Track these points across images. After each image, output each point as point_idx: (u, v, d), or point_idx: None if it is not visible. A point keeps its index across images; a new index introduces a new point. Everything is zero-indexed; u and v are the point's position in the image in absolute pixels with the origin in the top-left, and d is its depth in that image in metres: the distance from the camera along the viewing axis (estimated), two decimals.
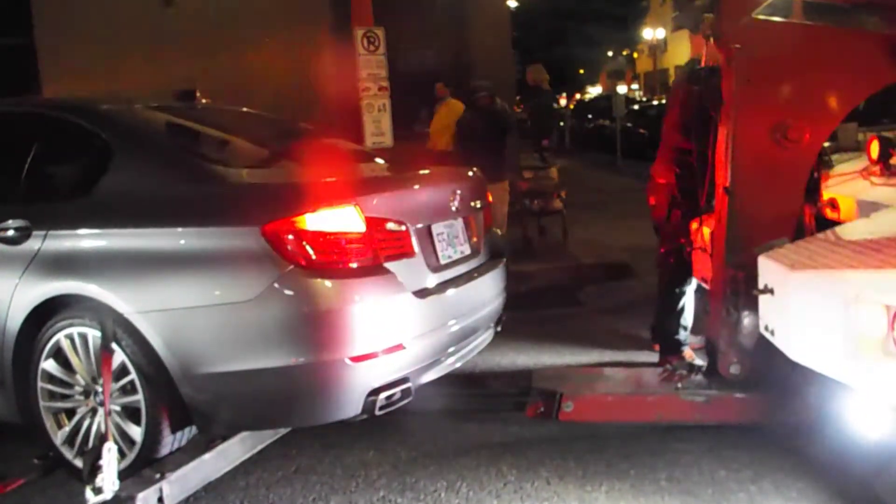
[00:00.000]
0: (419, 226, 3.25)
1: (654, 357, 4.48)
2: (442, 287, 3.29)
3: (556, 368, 4.47)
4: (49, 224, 3.13)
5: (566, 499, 3.00)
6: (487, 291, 3.66)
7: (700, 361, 3.95)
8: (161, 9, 11.22)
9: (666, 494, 2.99)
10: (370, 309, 2.91)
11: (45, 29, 11.70)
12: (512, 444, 3.49)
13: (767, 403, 3.34)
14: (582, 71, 54.08)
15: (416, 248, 3.20)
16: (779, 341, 2.87)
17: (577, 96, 43.64)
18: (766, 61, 3.21)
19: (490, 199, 4.08)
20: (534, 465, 3.26)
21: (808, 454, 3.14)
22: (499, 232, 4.27)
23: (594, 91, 47.87)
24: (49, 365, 3.14)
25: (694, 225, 4.01)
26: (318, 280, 2.81)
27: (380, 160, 4.14)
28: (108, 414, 2.90)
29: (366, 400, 2.89)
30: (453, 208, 3.50)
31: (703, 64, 4.12)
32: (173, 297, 2.89)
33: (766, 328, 2.98)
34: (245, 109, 4.42)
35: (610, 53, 50.60)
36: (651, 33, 38.23)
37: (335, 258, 2.87)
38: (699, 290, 4.25)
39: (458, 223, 3.56)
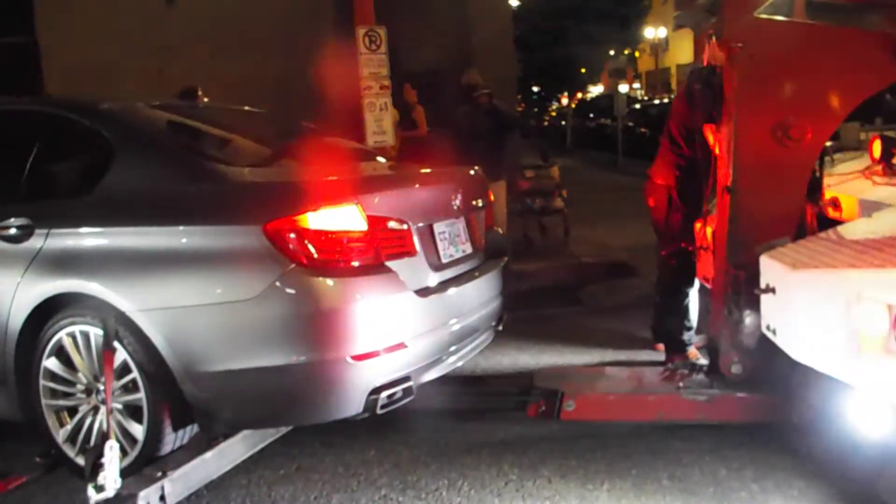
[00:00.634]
0: (421, 225, 3.25)
1: (655, 356, 4.48)
2: (443, 286, 3.29)
3: (557, 367, 4.47)
4: (51, 222, 3.14)
5: (567, 497, 3.00)
6: (489, 290, 3.66)
7: (704, 361, 3.96)
8: (163, 8, 11.22)
9: (667, 493, 2.99)
10: (372, 308, 2.91)
11: (48, 27, 11.71)
12: (513, 442, 3.49)
13: (769, 403, 3.34)
14: (584, 70, 54.02)
15: (418, 246, 3.20)
16: (780, 340, 2.87)
17: (579, 95, 43.61)
18: (767, 60, 3.21)
19: (491, 197, 4.08)
20: (535, 464, 3.26)
21: (809, 453, 3.14)
22: (500, 231, 4.27)
23: (596, 90, 47.85)
24: (51, 363, 3.14)
25: (697, 226, 4.01)
26: (320, 279, 2.82)
27: (381, 159, 4.14)
28: (109, 412, 2.91)
29: (367, 398, 2.89)
30: (455, 207, 3.50)
31: (704, 64, 4.12)
32: (175, 296, 2.90)
33: (768, 327, 2.97)
34: (247, 108, 4.43)
35: (611, 52, 50.54)
36: (653, 32, 38.21)
37: (337, 257, 2.87)
38: (701, 289, 4.25)
39: (460, 222, 3.56)
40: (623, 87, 27.19)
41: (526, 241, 8.16)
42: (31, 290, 3.11)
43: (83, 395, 3.14)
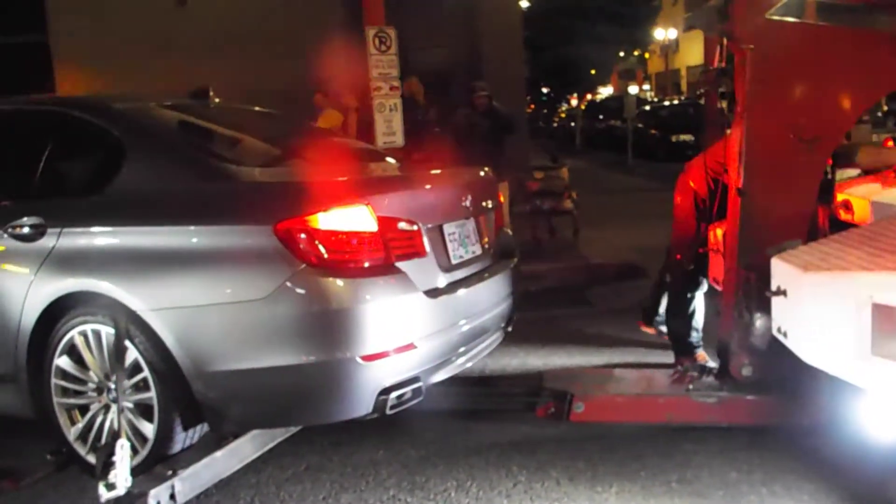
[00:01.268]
0: (430, 225, 3.25)
1: (665, 358, 4.47)
2: (453, 287, 3.29)
3: (566, 369, 4.47)
4: (63, 221, 3.16)
5: (576, 499, 3.00)
6: (498, 291, 3.66)
7: (713, 363, 3.95)
8: (174, 8, 11.27)
9: (676, 496, 2.98)
10: (381, 308, 2.91)
11: (60, 27, 11.77)
12: (522, 444, 3.49)
13: (779, 405, 3.33)
14: (593, 71, 53.93)
15: (428, 247, 3.20)
16: (791, 343, 2.86)
17: (589, 97, 43.54)
18: (779, 62, 3.20)
19: (501, 199, 4.08)
20: (544, 466, 3.26)
21: (819, 456, 3.13)
22: (510, 232, 4.27)
23: (605, 91, 47.76)
24: (63, 361, 3.16)
25: (712, 232, 3.99)
26: (330, 279, 2.82)
27: (391, 160, 4.15)
28: (120, 411, 2.93)
29: (376, 399, 2.89)
30: (465, 208, 3.50)
31: (714, 65, 4.11)
32: (186, 295, 2.91)
33: (779, 330, 2.96)
34: (257, 108, 4.44)
35: (621, 54, 50.46)
36: (663, 33, 38.10)
37: (347, 257, 2.88)
38: (709, 291, 4.24)
39: (470, 223, 3.56)
40: (633, 89, 27.13)
41: (535, 243, 8.15)
42: (43, 289, 3.13)
43: (94, 394, 3.16)
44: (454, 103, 8.89)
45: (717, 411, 3.42)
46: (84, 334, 3.11)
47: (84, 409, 3.19)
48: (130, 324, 2.95)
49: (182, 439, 3.03)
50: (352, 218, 2.90)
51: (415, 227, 3.15)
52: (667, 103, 24.69)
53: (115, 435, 2.87)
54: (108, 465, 2.73)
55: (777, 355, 3.09)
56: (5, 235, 3.23)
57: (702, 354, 4.27)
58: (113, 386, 3.04)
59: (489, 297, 3.56)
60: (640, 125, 19.57)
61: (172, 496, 2.83)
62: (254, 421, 3.10)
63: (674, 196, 4.45)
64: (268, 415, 3.04)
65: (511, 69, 12.59)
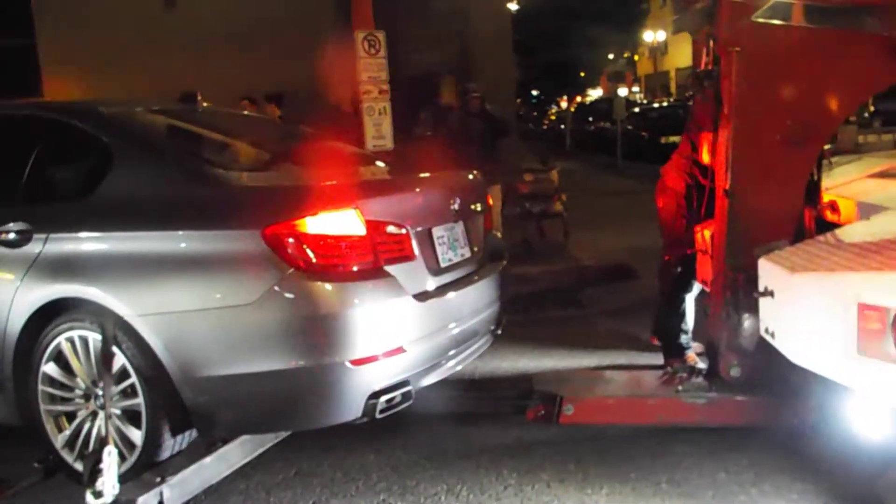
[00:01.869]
0: (419, 229, 3.25)
1: (655, 359, 4.48)
2: (442, 290, 3.29)
3: (556, 371, 4.47)
4: (50, 227, 3.14)
5: (566, 502, 3.00)
6: (488, 294, 3.66)
7: (703, 365, 3.96)
8: (162, 11, 11.24)
9: (666, 497, 2.99)
10: (370, 312, 2.91)
11: (48, 31, 11.73)
12: (512, 447, 3.49)
13: (768, 406, 3.34)
14: (583, 73, 54.06)
15: (417, 251, 3.20)
16: (779, 343, 2.87)
17: (578, 99, 43.64)
18: (765, 64, 3.22)
19: (490, 202, 4.08)
20: (534, 469, 3.26)
21: (808, 456, 3.14)
22: (499, 235, 4.27)
23: (595, 94, 47.87)
24: (50, 368, 3.14)
25: (699, 233, 4.01)
26: (319, 283, 2.82)
27: (380, 163, 4.15)
28: (108, 417, 2.91)
29: (366, 403, 2.88)
30: (453, 211, 3.50)
31: (702, 67, 4.13)
32: (174, 301, 2.90)
33: (767, 330, 2.98)
34: (246, 112, 4.43)
35: (611, 56, 50.59)
36: (651, 36, 38.26)
37: (336, 261, 2.87)
38: (699, 293, 4.26)
39: (459, 226, 3.56)
40: (622, 91, 27.17)
41: (525, 245, 8.16)
42: (29, 295, 3.11)
43: (82, 401, 3.14)
44: (446, 106, 8.90)
45: (706, 412, 3.43)
46: (71, 340, 3.09)
47: (71, 416, 3.17)
48: (118, 329, 2.93)
49: (170, 445, 3.01)
50: (340, 222, 2.90)
51: (403, 231, 3.14)
52: (656, 105, 24.76)
53: (102, 442, 2.84)
54: (95, 472, 2.70)
55: (765, 356, 3.10)
56: None
57: (691, 356, 4.28)
58: (100, 392, 3.02)
59: (478, 300, 3.56)
60: (629, 127, 19.61)
61: (161, 503, 2.81)
62: (243, 426, 3.09)
63: (656, 201, 4.48)
64: (257, 420, 3.03)
65: (501, 72, 12.63)
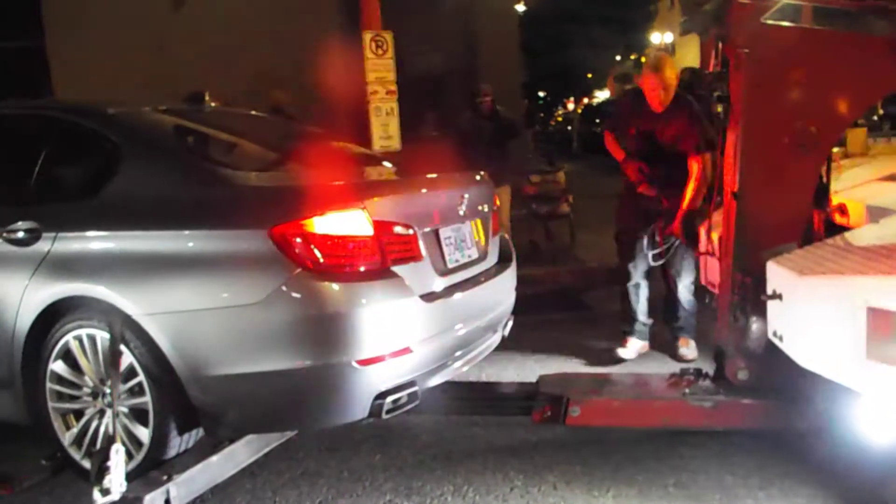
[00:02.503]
0: (427, 229, 3.25)
1: (662, 362, 4.48)
2: (449, 291, 3.29)
3: (563, 373, 4.46)
4: (58, 226, 3.15)
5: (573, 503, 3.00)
6: (495, 295, 3.66)
7: (627, 355, 4.57)
8: (171, 11, 11.28)
9: (673, 500, 2.98)
10: (377, 312, 2.91)
11: (57, 31, 11.78)
12: (518, 448, 3.49)
13: (775, 409, 3.32)
14: (590, 75, 54.04)
15: (424, 251, 3.20)
16: (787, 347, 2.86)
17: (585, 100, 43.61)
18: (774, 66, 3.21)
19: (498, 203, 4.07)
20: (540, 470, 3.26)
21: (816, 460, 3.13)
22: (507, 236, 4.26)
23: (602, 95, 47.85)
24: (58, 366, 3.15)
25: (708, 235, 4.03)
26: (326, 283, 2.82)
27: (388, 163, 4.15)
28: (116, 415, 2.91)
29: (372, 403, 2.89)
30: (461, 212, 3.50)
31: (710, 69, 4.12)
32: (181, 300, 2.90)
33: (775, 334, 2.97)
34: (253, 112, 4.44)
35: (618, 57, 50.57)
36: (659, 37, 38.17)
37: (343, 261, 2.87)
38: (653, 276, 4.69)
39: (466, 227, 3.56)
40: None
41: (532, 247, 8.15)
42: (38, 294, 3.12)
43: (89, 399, 3.14)
44: (456, 106, 8.89)
45: (713, 415, 3.42)
46: (79, 339, 3.10)
47: (79, 414, 3.18)
48: (126, 328, 2.94)
49: (177, 444, 3.02)
50: (347, 222, 2.90)
51: (411, 231, 3.14)
52: None
53: (110, 440, 2.85)
54: (102, 469, 2.71)
55: (773, 359, 3.09)
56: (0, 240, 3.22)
57: (631, 340, 4.60)
58: (108, 390, 3.03)
59: (485, 302, 3.56)
60: None
61: (168, 501, 2.81)
62: (249, 425, 3.09)
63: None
64: (263, 419, 3.03)
65: (508, 74, 12.62)
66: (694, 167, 4.39)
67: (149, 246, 3.00)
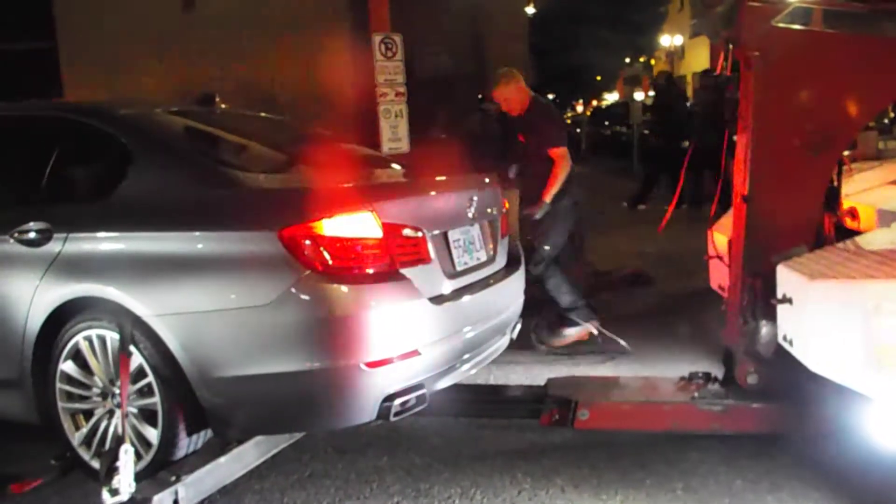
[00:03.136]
0: (435, 232, 3.25)
1: (670, 366, 4.46)
2: (457, 293, 3.29)
3: (571, 376, 4.45)
4: (69, 227, 3.16)
5: None
6: (503, 298, 3.66)
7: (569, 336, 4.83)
8: (181, 13, 11.32)
9: None
10: (386, 315, 2.91)
11: (68, 33, 11.84)
12: (526, 451, 3.48)
13: (785, 413, 3.31)
14: (599, 77, 53.95)
15: (433, 254, 3.20)
16: (797, 351, 2.85)
17: (594, 103, 43.55)
18: (785, 68, 3.19)
19: (507, 206, 4.07)
20: (548, 473, 3.25)
21: (826, 465, 3.11)
22: (515, 239, 4.26)
23: (611, 97, 47.75)
24: (68, 366, 3.17)
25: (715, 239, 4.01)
26: (335, 285, 2.82)
27: (397, 166, 4.15)
28: (125, 416, 2.93)
29: (380, 405, 2.89)
30: (470, 215, 3.50)
31: (718, 71, 4.11)
32: (191, 301, 2.91)
33: (785, 338, 2.95)
34: (263, 114, 4.45)
35: (627, 60, 50.45)
36: (668, 40, 38.08)
37: (352, 263, 2.88)
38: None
39: (475, 230, 3.56)
40: (638, 95, 27.07)
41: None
42: (48, 294, 3.14)
43: (99, 399, 3.16)
44: (467, 108, 8.89)
45: (722, 419, 3.40)
46: (89, 339, 3.11)
47: (88, 414, 3.19)
48: (135, 329, 2.96)
49: (186, 445, 3.03)
50: (356, 224, 2.90)
51: (419, 234, 3.15)
52: None
53: (119, 440, 2.86)
54: (111, 470, 2.72)
55: (783, 363, 3.08)
56: (11, 240, 3.24)
57: (568, 331, 4.89)
58: (117, 391, 3.04)
59: (494, 304, 3.56)
60: (645, 131, 19.56)
61: (176, 501, 2.82)
62: (258, 427, 3.10)
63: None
64: (272, 421, 3.04)
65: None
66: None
67: (159, 247, 3.01)
